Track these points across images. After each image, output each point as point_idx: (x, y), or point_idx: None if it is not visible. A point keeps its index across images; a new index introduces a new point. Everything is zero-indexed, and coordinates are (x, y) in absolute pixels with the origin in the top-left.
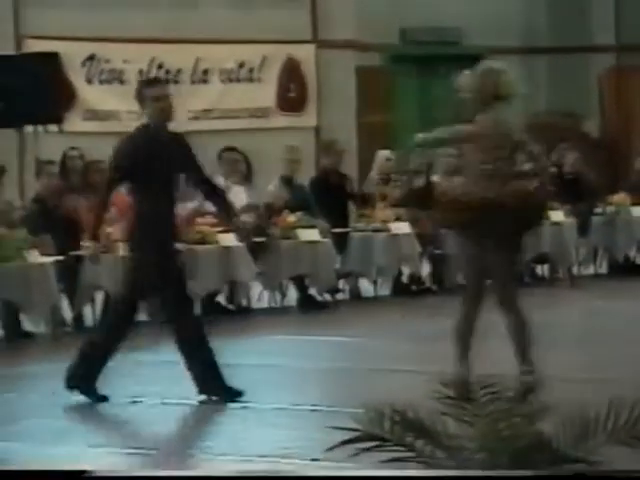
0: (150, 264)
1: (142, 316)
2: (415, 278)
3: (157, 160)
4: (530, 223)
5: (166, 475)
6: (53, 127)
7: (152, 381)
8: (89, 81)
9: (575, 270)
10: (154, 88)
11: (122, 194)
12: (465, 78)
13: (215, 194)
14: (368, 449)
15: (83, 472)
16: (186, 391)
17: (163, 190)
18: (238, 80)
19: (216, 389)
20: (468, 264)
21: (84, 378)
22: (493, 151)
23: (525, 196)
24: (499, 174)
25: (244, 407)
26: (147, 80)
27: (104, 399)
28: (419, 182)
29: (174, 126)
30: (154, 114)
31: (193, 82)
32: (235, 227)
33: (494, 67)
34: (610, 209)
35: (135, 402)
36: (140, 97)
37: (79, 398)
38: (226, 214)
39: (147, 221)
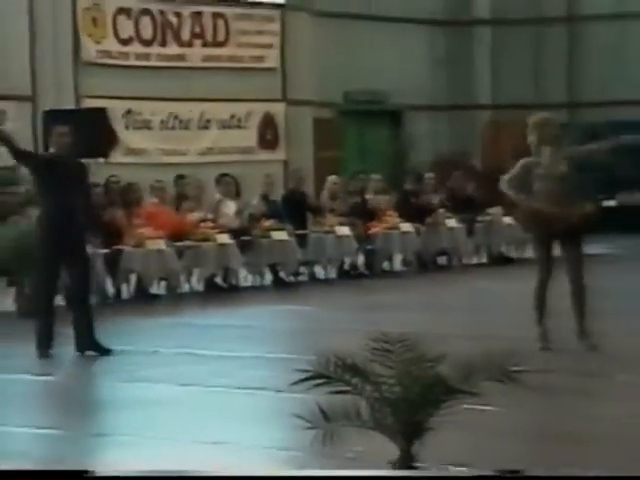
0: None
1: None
2: (353, 266)
3: None
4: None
5: (171, 475)
6: (102, 160)
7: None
8: (127, 127)
9: (464, 260)
10: None
11: (148, 208)
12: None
13: None
14: (319, 384)
15: (85, 472)
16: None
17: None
18: (230, 127)
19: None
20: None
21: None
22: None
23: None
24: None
25: (233, 357)
26: None
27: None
28: (356, 199)
29: (187, 159)
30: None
31: (199, 128)
32: None
33: (548, 118)
34: (487, 218)
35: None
36: None
37: None
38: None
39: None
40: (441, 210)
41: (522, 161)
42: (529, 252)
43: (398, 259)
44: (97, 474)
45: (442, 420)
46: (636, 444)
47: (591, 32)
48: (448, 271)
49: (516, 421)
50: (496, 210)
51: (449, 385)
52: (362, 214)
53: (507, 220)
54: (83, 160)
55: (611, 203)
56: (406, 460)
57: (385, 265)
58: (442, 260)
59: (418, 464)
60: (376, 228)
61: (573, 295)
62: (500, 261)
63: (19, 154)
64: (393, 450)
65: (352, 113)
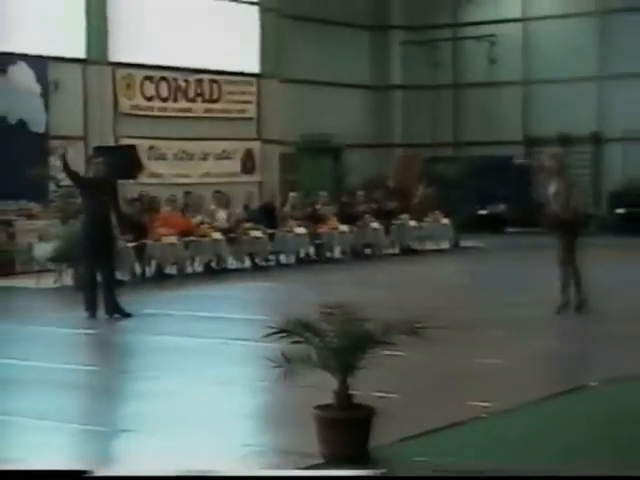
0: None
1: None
2: (306, 255)
3: None
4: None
5: (167, 475)
6: (132, 181)
7: None
8: (149, 158)
9: (383, 251)
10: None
11: (164, 214)
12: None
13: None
14: (283, 337)
15: (83, 472)
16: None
17: None
18: (222, 159)
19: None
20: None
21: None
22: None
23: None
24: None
25: (226, 318)
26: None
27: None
28: (309, 209)
29: (191, 180)
30: None
31: (199, 159)
32: None
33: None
34: (398, 222)
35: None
36: None
37: None
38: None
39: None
40: (367, 216)
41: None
42: (428, 245)
43: (338, 250)
44: (96, 474)
45: (368, 362)
46: (486, 376)
47: (470, 95)
48: (372, 259)
49: (417, 361)
50: (405, 216)
51: (373, 338)
52: (313, 219)
53: (412, 223)
54: (120, 181)
55: (483, 212)
56: (343, 389)
57: (328, 254)
58: (368, 251)
59: (352, 392)
60: (322, 229)
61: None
62: (408, 252)
63: (71, 175)
64: (334, 383)
65: (306, 149)
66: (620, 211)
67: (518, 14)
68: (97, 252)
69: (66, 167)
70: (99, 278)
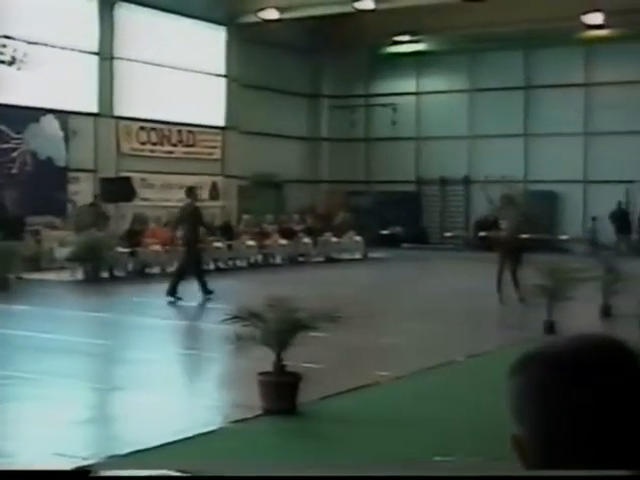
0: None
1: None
2: (256, 261)
3: None
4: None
5: (178, 475)
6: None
7: None
8: (141, 187)
9: (312, 260)
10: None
11: (151, 228)
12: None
13: None
14: (236, 321)
15: (87, 472)
16: None
17: None
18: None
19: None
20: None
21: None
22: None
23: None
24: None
25: (194, 306)
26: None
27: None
28: (258, 227)
29: (172, 204)
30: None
31: (178, 189)
32: None
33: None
34: (324, 238)
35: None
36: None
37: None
38: None
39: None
40: (301, 233)
41: None
42: (345, 256)
43: (279, 258)
44: (100, 474)
45: (299, 341)
46: (387, 352)
47: (377, 146)
48: (304, 265)
49: (335, 341)
50: (328, 234)
51: (302, 323)
52: (260, 235)
53: (334, 239)
54: (119, 203)
55: (385, 232)
56: (279, 361)
57: (272, 261)
58: (301, 259)
59: (285, 363)
60: (267, 242)
61: None
62: (330, 260)
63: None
64: (273, 356)
65: (257, 183)
66: (482, 234)
67: (413, 89)
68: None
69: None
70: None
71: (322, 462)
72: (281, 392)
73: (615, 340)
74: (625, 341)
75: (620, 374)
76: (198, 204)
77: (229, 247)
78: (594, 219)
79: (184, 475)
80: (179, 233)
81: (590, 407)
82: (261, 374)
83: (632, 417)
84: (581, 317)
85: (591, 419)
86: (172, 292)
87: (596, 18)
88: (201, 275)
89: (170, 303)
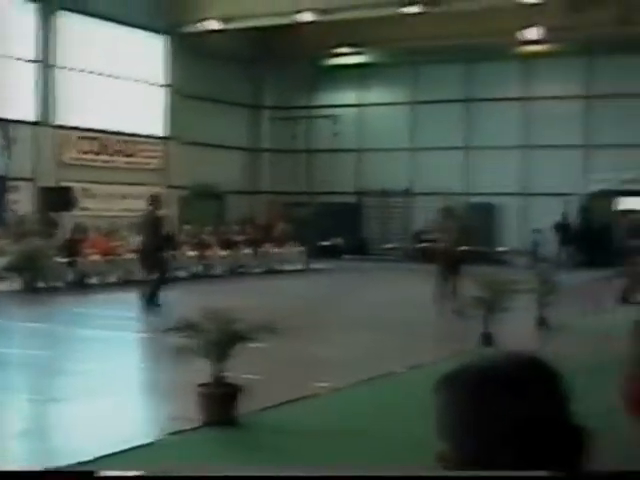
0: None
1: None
2: (196, 272)
3: None
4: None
5: (182, 475)
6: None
7: None
8: (83, 197)
9: (254, 271)
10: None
11: (91, 238)
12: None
13: None
14: (177, 332)
15: (91, 473)
16: None
17: None
18: (137, 198)
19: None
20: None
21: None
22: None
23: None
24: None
25: (134, 317)
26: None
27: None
28: (198, 238)
29: (113, 214)
30: None
31: (120, 199)
32: None
33: (449, 205)
34: (263, 249)
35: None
36: None
37: None
38: None
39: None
40: (241, 245)
41: None
42: (286, 267)
43: (219, 269)
44: (104, 474)
45: (238, 352)
46: (326, 363)
47: (318, 158)
48: (244, 275)
49: (275, 352)
50: (268, 245)
51: (242, 334)
52: (201, 246)
53: (274, 250)
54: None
55: (326, 243)
56: (218, 372)
57: (212, 272)
58: (242, 270)
59: (225, 374)
60: (208, 253)
61: None
62: (271, 271)
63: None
64: (212, 368)
65: (198, 194)
66: (421, 246)
67: (355, 101)
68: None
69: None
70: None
71: None
72: (220, 404)
73: (534, 357)
74: (544, 357)
75: (539, 390)
76: (160, 213)
77: (172, 257)
78: (536, 231)
79: (195, 475)
80: (138, 241)
81: (512, 421)
82: (200, 386)
83: (550, 429)
84: (517, 329)
85: (515, 434)
86: (151, 299)
87: (534, 33)
88: (158, 286)
89: (149, 309)
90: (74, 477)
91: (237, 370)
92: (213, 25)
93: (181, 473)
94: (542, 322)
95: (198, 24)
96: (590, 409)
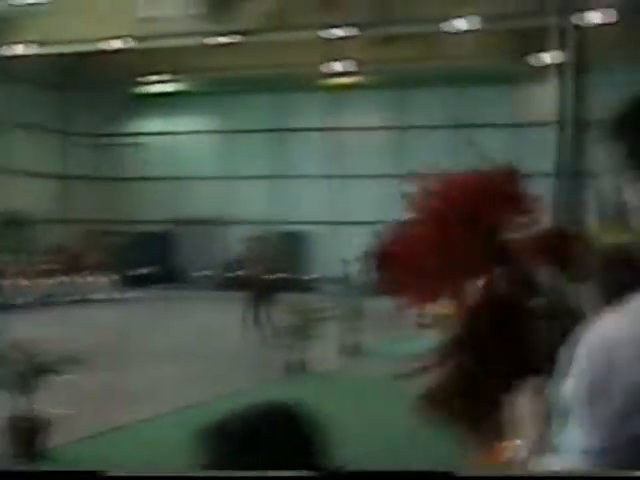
0: None
1: None
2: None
3: None
4: None
5: (189, 475)
6: None
7: None
8: None
9: (67, 299)
10: None
11: None
12: None
13: None
14: None
15: (92, 472)
16: None
17: None
18: None
19: None
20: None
21: None
22: None
23: None
24: None
25: None
26: None
27: None
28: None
29: None
30: None
31: None
32: None
33: (258, 234)
34: (74, 279)
35: None
36: None
37: None
38: None
39: None
40: (50, 273)
41: None
42: (96, 295)
43: (29, 298)
44: (110, 474)
45: (45, 384)
46: (134, 395)
47: (128, 185)
48: (53, 306)
49: (84, 384)
50: (79, 274)
51: (48, 366)
52: (6, 275)
53: (85, 279)
54: None
55: (137, 272)
56: (25, 406)
57: (19, 302)
58: (50, 299)
59: (32, 407)
60: (15, 282)
61: None
62: (81, 301)
63: None
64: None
65: (4, 222)
66: (231, 274)
67: (165, 129)
68: None
69: None
70: None
71: None
72: (26, 437)
73: (283, 404)
74: (292, 403)
75: (283, 436)
76: None
77: None
78: (345, 262)
79: (204, 475)
80: None
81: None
82: (6, 419)
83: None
84: (322, 355)
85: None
86: None
87: (340, 66)
88: None
89: None
90: (74, 477)
91: (44, 403)
92: (20, 50)
93: (181, 473)
94: (347, 348)
95: (5, 48)
96: None
